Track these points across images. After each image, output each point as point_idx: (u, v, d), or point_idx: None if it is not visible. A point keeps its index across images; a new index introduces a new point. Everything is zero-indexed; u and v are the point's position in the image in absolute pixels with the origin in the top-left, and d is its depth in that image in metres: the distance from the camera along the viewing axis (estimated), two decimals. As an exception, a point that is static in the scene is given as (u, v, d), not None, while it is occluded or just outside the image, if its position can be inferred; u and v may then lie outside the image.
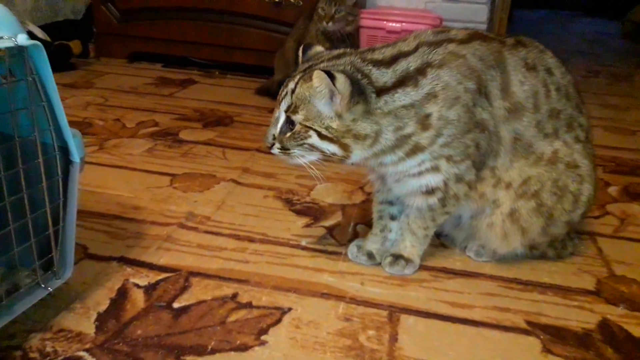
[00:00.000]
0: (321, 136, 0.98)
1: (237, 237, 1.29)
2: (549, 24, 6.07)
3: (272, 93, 2.45)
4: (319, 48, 1.07)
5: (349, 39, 2.32)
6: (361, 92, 0.96)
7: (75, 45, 2.82)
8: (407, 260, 1.16)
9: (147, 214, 1.37)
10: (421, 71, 0.99)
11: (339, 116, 0.97)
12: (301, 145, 1.00)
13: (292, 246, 1.27)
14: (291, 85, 1.00)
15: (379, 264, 1.19)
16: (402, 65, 0.99)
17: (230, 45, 2.87)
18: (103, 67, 2.89)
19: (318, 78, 0.93)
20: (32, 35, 2.63)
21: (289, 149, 1.01)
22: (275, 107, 1.03)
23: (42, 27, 2.77)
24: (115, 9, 2.94)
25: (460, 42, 1.02)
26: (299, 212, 1.44)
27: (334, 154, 1.00)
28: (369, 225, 1.36)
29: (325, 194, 1.55)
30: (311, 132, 0.98)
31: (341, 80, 0.93)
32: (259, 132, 2.04)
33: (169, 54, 2.98)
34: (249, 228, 1.34)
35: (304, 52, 1.07)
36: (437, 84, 0.98)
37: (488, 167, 1.10)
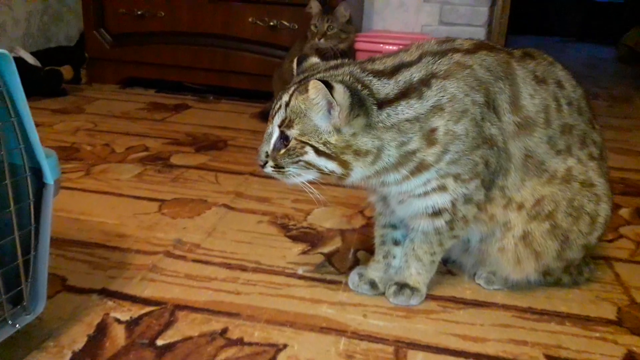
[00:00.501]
0: (318, 152, 0.90)
1: (228, 266, 1.20)
2: (545, 49, 6.08)
3: None
4: (314, 59, 1.00)
5: (343, 58, 2.27)
6: (361, 104, 0.89)
7: (67, 71, 2.76)
8: (413, 290, 1.07)
9: (132, 242, 1.28)
10: (425, 82, 0.91)
11: (338, 130, 0.90)
12: (296, 162, 0.92)
13: (288, 275, 1.17)
14: (285, 97, 0.92)
15: (383, 293, 1.10)
16: (405, 76, 0.92)
17: (226, 69, 2.82)
18: (95, 92, 2.83)
19: (314, 88, 0.86)
20: (21, 61, 2.59)
21: (283, 167, 0.93)
22: (268, 122, 0.95)
23: (34, 54, 2.73)
24: (107, 33, 2.90)
25: (466, 52, 0.95)
26: (295, 238, 1.35)
27: (332, 172, 0.92)
28: (370, 251, 1.27)
29: (323, 218, 1.47)
30: (307, 148, 0.90)
31: (340, 91, 0.86)
32: (254, 156, 1.95)
33: (163, 79, 2.93)
34: (241, 256, 1.25)
35: (298, 64, 1.00)
36: (443, 96, 0.91)
37: (498, 186, 1.02)
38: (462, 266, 1.20)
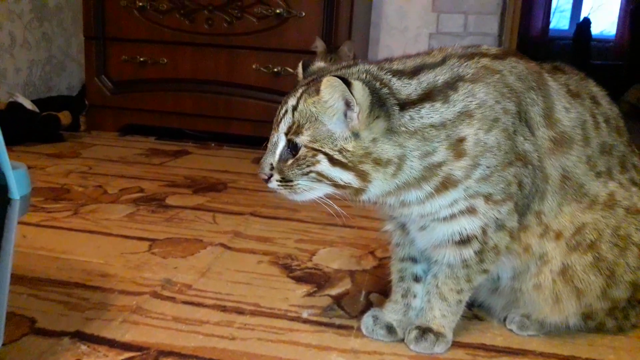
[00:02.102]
0: (333, 161, 0.79)
1: (223, 309, 1.05)
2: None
3: None
4: (321, 64, 0.90)
5: None
6: (382, 104, 0.78)
7: (65, 116, 2.69)
8: (437, 335, 0.92)
9: (115, 282, 1.14)
10: (451, 85, 0.81)
11: (356, 135, 0.78)
12: (307, 174, 0.80)
13: (291, 319, 1.03)
14: (291, 101, 0.82)
15: (402, 339, 0.95)
16: (428, 77, 0.82)
17: (228, 116, 2.75)
18: (93, 139, 2.75)
19: (330, 86, 0.76)
20: (19, 106, 2.53)
21: (291, 181, 0.81)
22: (273, 131, 0.84)
23: (35, 102, 2.67)
24: (108, 80, 2.85)
25: (494, 57, 0.85)
26: (299, 279, 1.20)
27: (348, 185, 0.80)
28: (385, 294, 1.13)
29: (330, 259, 1.33)
30: (320, 157, 0.79)
31: (359, 88, 0.75)
32: (255, 197, 1.85)
33: (163, 126, 2.86)
34: (238, 298, 1.10)
35: (304, 68, 0.90)
36: (471, 101, 0.80)
37: (533, 212, 0.89)
38: (491, 309, 1.05)
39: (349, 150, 0.78)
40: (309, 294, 1.13)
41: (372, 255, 1.37)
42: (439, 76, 0.82)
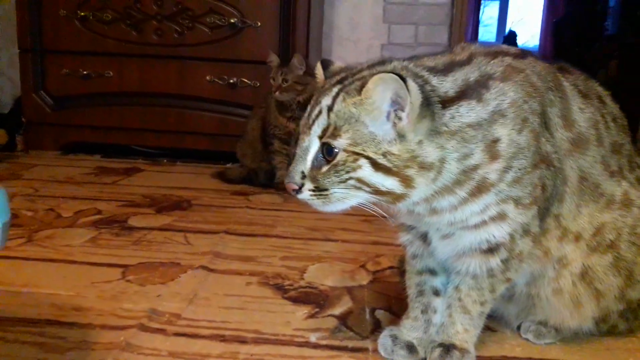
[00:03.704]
0: (376, 166, 0.72)
1: (222, 339, 0.95)
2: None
3: (251, 180, 2.21)
4: (340, 64, 0.83)
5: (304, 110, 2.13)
6: (428, 103, 0.72)
7: (0, 136, 2.47)
8: (462, 351, 0.87)
9: (94, 316, 1.01)
10: (483, 84, 0.76)
11: (402, 137, 0.72)
12: (345, 181, 0.73)
13: (300, 344, 0.94)
14: (326, 100, 0.75)
15: (424, 359, 0.89)
16: (461, 75, 0.77)
17: (181, 130, 2.61)
18: (33, 159, 2.53)
19: (382, 84, 0.70)
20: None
21: (326, 189, 0.73)
22: (302, 135, 0.76)
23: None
24: (48, 96, 2.65)
25: (515, 56, 0.82)
26: (295, 300, 1.12)
27: (390, 192, 0.74)
28: (390, 310, 1.07)
29: (322, 275, 1.25)
30: (362, 161, 0.72)
31: (413, 86, 0.69)
32: (225, 214, 1.74)
33: (110, 142, 2.68)
34: (235, 325, 1.00)
35: (324, 68, 0.83)
36: (503, 100, 0.76)
37: (552, 215, 0.87)
38: (503, 318, 1.01)
39: (394, 154, 0.72)
40: (311, 316, 1.05)
41: (364, 269, 1.31)
42: (470, 74, 0.77)
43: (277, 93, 2.11)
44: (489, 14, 8.90)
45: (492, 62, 0.79)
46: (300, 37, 2.51)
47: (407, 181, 0.73)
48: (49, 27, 2.57)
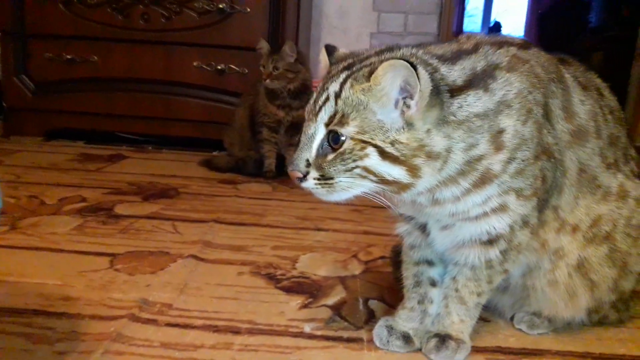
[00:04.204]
0: (384, 154, 0.71)
1: (216, 329, 0.94)
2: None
3: (239, 169, 2.17)
4: (345, 50, 0.82)
5: (301, 94, 2.11)
6: (438, 91, 0.71)
7: (-20, 121, 2.40)
8: (458, 342, 0.87)
9: (82, 306, 0.99)
10: (489, 73, 0.75)
11: (410, 125, 0.71)
12: (351, 170, 0.71)
13: (294, 335, 0.93)
14: (333, 87, 0.73)
15: (419, 349, 0.88)
16: (468, 64, 0.76)
17: (167, 117, 2.57)
18: (14, 145, 2.48)
19: (392, 70, 0.68)
20: None
21: (332, 178, 0.72)
22: (307, 121, 0.74)
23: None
24: (30, 81, 2.58)
25: (519, 46, 0.81)
26: (288, 290, 1.11)
27: (396, 182, 0.72)
28: (383, 300, 1.07)
29: (315, 265, 1.24)
30: (369, 150, 0.71)
31: (423, 73, 0.68)
32: (214, 203, 1.72)
33: (94, 129, 2.63)
34: (229, 315, 0.99)
35: (329, 54, 0.81)
36: (509, 90, 0.75)
37: (550, 207, 0.86)
38: (497, 308, 1.02)
39: (402, 142, 0.71)
40: (305, 306, 1.04)
41: (356, 259, 1.30)
42: (477, 63, 0.76)
43: (267, 81, 2.08)
44: (474, 4, 8.91)
45: (498, 51, 0.78)
46: (290, 24, 2.48)
47: (414, 171, 0.72)
48: (31, 10, 2.50)
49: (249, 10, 2.42)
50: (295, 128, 2.12)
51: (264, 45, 2.15)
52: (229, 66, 2.49)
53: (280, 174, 2.15)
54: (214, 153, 2.47)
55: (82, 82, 2.57)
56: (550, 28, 5.96)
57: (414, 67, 0.68)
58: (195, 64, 2.50)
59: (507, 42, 0.80)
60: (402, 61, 0.68)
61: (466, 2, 8.12)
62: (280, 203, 1.75)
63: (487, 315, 1.03)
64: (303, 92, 2.14)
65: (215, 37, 2.47)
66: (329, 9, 3.09)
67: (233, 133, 2.30)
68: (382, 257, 1.31)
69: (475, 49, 0.78)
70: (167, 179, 1.99)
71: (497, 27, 8.09)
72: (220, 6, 2.42)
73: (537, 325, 0.97)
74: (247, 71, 2.47)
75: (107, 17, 2.48)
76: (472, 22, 8.84)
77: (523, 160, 0.77)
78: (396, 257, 1.05)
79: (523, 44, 0.82)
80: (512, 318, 1.00)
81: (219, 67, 2.49)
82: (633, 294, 1.05)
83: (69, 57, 2.53)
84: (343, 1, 3.07)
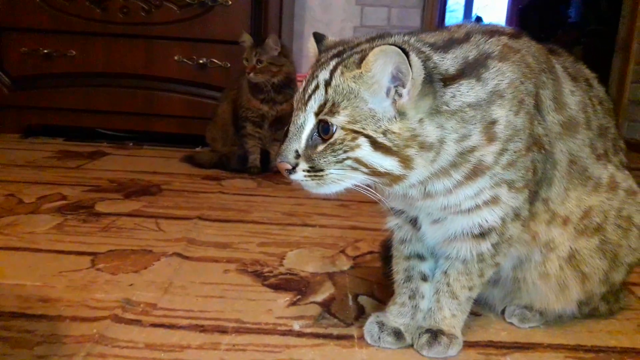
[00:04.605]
0: (376, 145, 0.68)
1: (202, 329, 0.91)
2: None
3: (223, 165, 2.14)
4: (334, 39, 0.79)
5: (285, 87, 2.08)
6: (431, 80, 0.69)
7: (-47, 117, 2.33)
8: (450, 337, 0.85)
9: (63, 308, 0.95)
10: (481, 62, 0.74)
11: (402, 115, 0.69)
12: (342, 161, 0.69)
13: (283, 333, 0.91)
14: (323, 75, 0.70)
15: (411, 345, 0.87)
16: (460, 53, 0.74)
17: (148, 112, 2.53)
18: (-11, 143, 2.41)
19: (383, 57, 0.66)
20: None
21: (322, 170, 0.70)
22: (296, 111, 0.72)
23: None
24: (6, 76, 2.51)
25: (510, 35, 0.80)
26: (276, 287, 1.09)
27: (388, 174, 0.70)
28: (372, 296, 1.05)
29: (302, 262, 1.22)
30: (361, 140, 0.68)
31: (415, 60, 0.66)
32: (198, 199, 1.69)
33: (73, 125, 2.57)
34: (215, 314, 0.96)
35: (318, 42, 0.79)
36: (501, 80, 0.74)
37: (540, 199, 0.85)
38: (487, 302, 1.01)
39: (394, 132, 0.69)
40: (293, 303, 1.02)
41: (344, 254, 1.28)
42: (469, 52, 0.74)
43: (251, 74, 2.04)
44: (455, -2, 8.93)
45: (489, 40, 0.76)
46: (272, 17, 2.45)
47: (406, 162, 0.70)
48: (5, 2, 2.43)
49: (230, 2, 2.39)
50: (280, 122, 2.09)
51: (246, 39, 2.11)
52: (211, 60, 2.45)
53: (265, 169, 2.13)
54: (197, 149, 2.43)
55: (60, 77, 2.51)
56: (531, 23, 6.00)
57: (406, 53, 0.66)
58: (176, 58, 2.46)
59: (498, 31, 0.79)
60: (393, 47, 0.66)
61: (448, -5, 8.15)
62: (266, 199, 1.73)
63: (478, 309, 1.02)
64: (287, 86, 2.11)
65: (197, 31, 2.43)
66: (312, 2, 3.06)
67: (215, 128, 2.26)
68: (370, 252, 1.29)
69: (466, 38, 0.76)
70: (149, 176, 1.95)
71: (478, 21, 8.12)
72: (202, -1, 2.38)
73: (529, 318, 0.96)
74: (229, 65, 2.44)
75: (85, 10, 2.42)
76: (454, 16, 8.87)
77: (515, 152, 0.76)
78: (386, 252, 1.04)
79: (514, 33, 0.81)
80: (503, 312, 1.00)
81: (201, 61, 2.45)
82: (623, 285, 1.06)
83: (46, 51, 2.47)
84: (326, -6, 3.04)
